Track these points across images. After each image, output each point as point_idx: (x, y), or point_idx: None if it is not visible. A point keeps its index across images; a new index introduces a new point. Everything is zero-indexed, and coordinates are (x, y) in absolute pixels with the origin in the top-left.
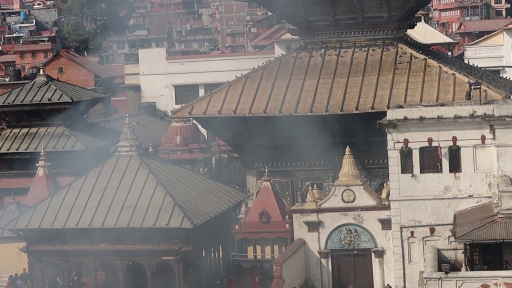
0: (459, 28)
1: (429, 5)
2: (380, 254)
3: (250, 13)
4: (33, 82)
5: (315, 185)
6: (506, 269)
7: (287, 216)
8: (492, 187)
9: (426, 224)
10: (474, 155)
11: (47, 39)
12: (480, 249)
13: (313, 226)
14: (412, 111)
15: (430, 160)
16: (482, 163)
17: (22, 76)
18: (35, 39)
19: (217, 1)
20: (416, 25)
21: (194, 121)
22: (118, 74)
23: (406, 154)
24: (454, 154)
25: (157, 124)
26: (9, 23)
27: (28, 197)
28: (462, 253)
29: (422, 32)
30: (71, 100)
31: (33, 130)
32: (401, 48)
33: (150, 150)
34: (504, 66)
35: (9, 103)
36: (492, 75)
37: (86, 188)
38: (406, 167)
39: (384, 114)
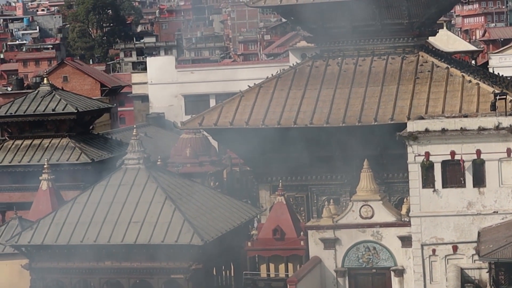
0: (483, 35)
1: (451, 11)
2: (400, 273)
3: (263, 20)
4: (36, 91)
5: (331, 200)
6: None
7: (302, 233)
8: None
9: (449, 242)
10: (499, 169)
11: (51, 46)
12: (505, 268)
13: (330, 243)
14: (434, 122)
15: (452, 174)
16: (507, 177)
17: (25, 85)
18: (39, 47)
19: (229, 7)
20: (438, 32)
21: (205, 133)
22: (125, 83)
23: (427, 168)
24: (478, 168)
25: (166, 136)
26: (12, 29)
27: (31, 211)
28: (487, 272)
29: (445, 40)
30: (76, 111)
31: (37, 141)
32: (422, 56)
33: (158, 163)
34: None
35: (11, 113)
36: None
37: (92, 202)
38: (428, 182)
39: (404, 125)
